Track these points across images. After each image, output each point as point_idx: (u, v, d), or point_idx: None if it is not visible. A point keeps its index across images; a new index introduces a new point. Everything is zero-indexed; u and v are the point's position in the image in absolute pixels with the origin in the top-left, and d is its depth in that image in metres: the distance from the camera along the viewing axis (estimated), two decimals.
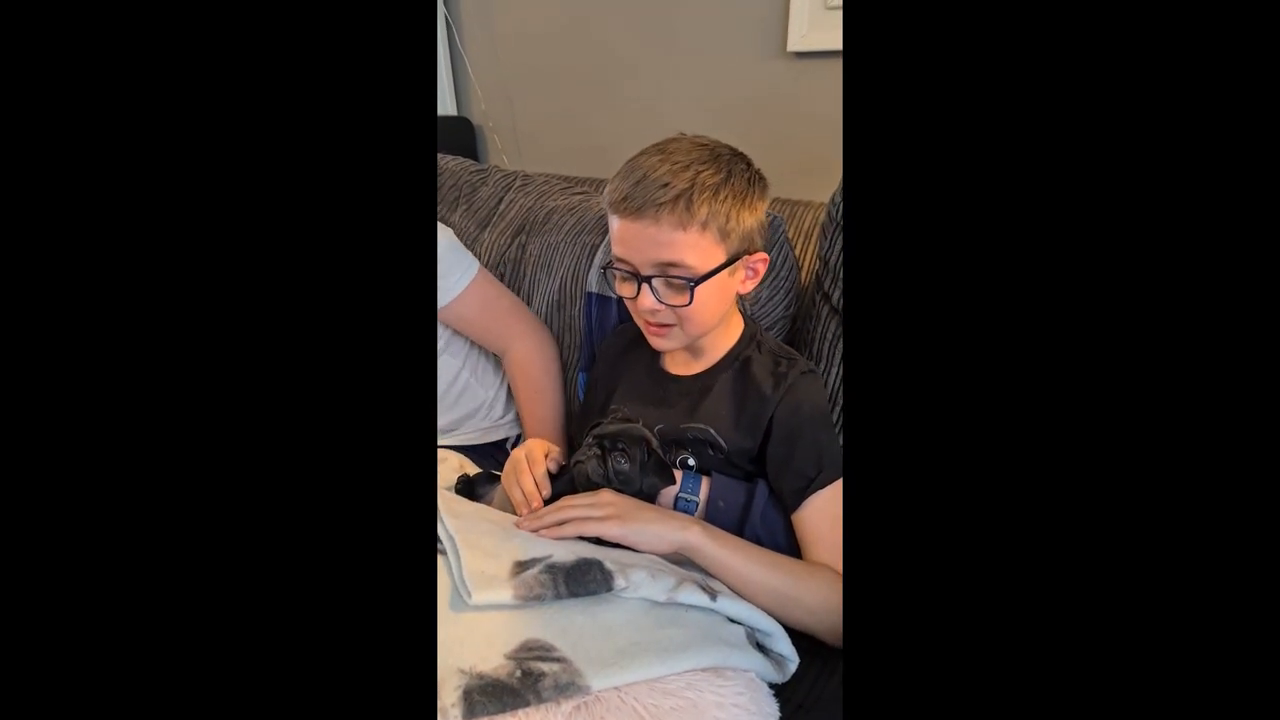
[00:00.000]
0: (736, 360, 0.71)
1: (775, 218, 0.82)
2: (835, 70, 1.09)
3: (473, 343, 0.95)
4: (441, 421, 0.92)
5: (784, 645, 0.57)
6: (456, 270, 0.84)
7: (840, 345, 0.77)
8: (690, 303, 0.63)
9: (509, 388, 0.97)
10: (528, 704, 0.44)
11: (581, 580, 0.52)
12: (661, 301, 0.64)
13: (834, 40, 1.06)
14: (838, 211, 0.77)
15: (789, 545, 0.66)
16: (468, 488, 0.76)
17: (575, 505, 0.60)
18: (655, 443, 0.65)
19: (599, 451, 0.64)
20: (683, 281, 0.62)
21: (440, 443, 0.92)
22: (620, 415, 0.73)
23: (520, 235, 1.03)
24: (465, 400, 0.93)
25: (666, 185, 0.61)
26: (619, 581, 0.52)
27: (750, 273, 0.68)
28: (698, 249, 0.62)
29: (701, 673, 0.50)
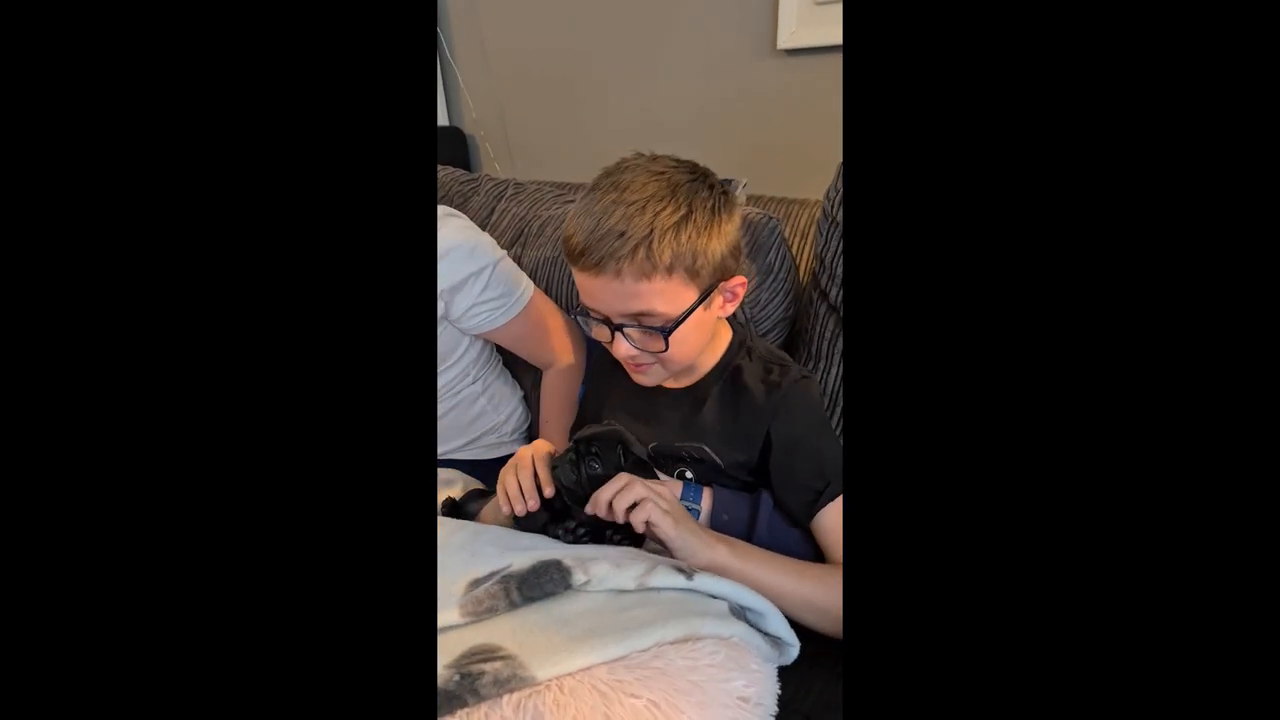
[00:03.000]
0: (726, 370, 0.71)
1: (771, 220, 0.82)
2: (825, 66, 1.09)
3: (495, 372, 1.02)
4: (458, 441, 0.99)
5: (779, 626, 0.56)
6: (515, 290, 0.89)
7: (838, 343, 0.77)
8: (666, 349, 0.63)
9: (521, 409, 1.04)
10: (465, 704, 0.44)
11: (537, 583, 0.52)
12: (637, 348, 0.64)
13: (823, 37, 1.07)
14: (832, 208, 0.77)
15: (801, 555, 0.65)
16: (454, 509, 0.79)
17: (641, 487, 0.59)
18: (635, 444, 0.66)
19: (574, 456, 0.65)
20: (655, 329, 0.62)
21: (452, 456, 0.99)
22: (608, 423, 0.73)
23: (515, 246, 1.03)
24: (478, 424, 0.99)
25: (624, 235, 0.59)
26: (578, 577, 0.53)
27: (729, 296, 0.68)
28: (666, 295, 0.61)
29: (669, 645, 0.49)
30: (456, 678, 0.45)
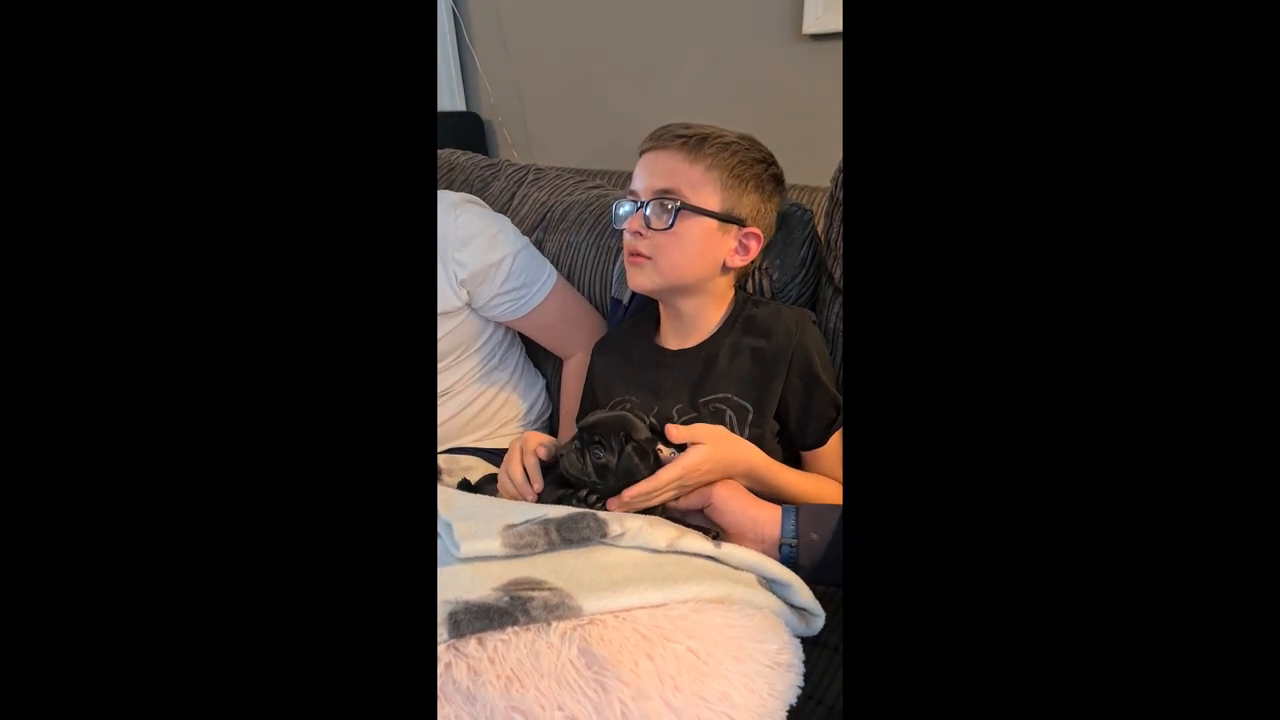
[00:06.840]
0: (735, 322, 0.76)
1: (805, 211, 0.83)
2: None
3: (520, 358, 1.02)
4: (484, 430, 0.99)
5: (805, 599, 0.58)
6: (538, 280, 0.90)
7: (842, 323, 0.80)
8: (670, 226, 0.70)
9: (544, 397, 1.05)
10: (516, 622, 0.46)
11: (574, 527, 0.54)
12: (648, 225, 0.72)
13: None
14: (837, 188, 0.77)
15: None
16: (469, 490, 0.81)
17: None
18: (639, 428, 0.66)
19: (579, 445, 0.66)
20: (671, 205, 0.71)
21: (477, 445, 0.99)
22: (624, 404, 0.76)
23: (536, 231, 1.04)
24: (505, 411, 1.00)
25: (690, 127, 0.73)
26: (614, 528, 0.55)
27: (741, 248, 0.75)
28: (696, 186, 0.72)
29: (706, 602, 0.52)
30: (507, 599, 0.47)
